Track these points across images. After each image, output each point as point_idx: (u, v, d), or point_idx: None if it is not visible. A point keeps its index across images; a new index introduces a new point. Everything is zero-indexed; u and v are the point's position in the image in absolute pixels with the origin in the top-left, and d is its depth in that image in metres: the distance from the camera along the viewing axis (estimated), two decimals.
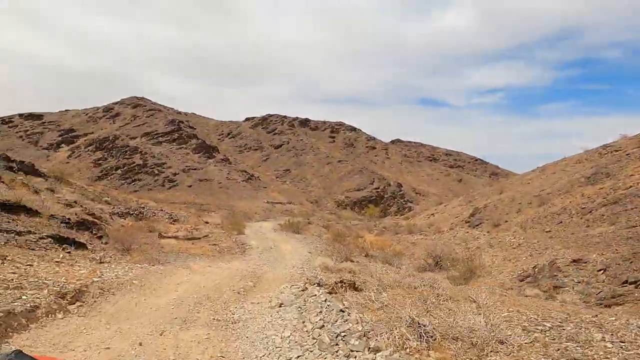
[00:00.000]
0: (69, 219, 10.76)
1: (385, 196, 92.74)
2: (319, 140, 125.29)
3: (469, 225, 30.87)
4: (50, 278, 6.84)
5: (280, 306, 6.55)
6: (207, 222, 25.34)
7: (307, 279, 8.16)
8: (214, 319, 6.45)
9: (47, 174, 21.71)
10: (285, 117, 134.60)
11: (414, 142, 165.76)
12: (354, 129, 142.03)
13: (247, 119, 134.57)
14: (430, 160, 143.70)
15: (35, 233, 8.46)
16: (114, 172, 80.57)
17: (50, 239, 8.55)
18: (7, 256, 6.98)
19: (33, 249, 7.71)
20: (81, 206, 14.32)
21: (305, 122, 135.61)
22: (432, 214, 41.47)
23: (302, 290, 6.91)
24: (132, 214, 20.55)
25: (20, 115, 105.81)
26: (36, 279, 6.62)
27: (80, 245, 9.23)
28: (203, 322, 6.29)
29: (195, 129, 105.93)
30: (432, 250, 20.32)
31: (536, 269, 16.19)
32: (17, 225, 8.46)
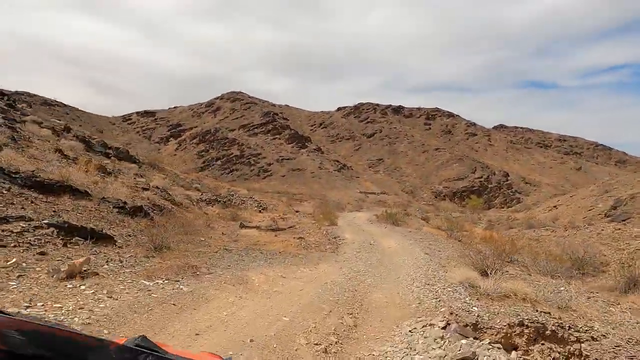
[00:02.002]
0: (125, 202, 9.04)
1: (490, 186, 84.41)
2: (414, 127, 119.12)
3: (610, 220, 25.09)
4: None
5: None
6: (297, 211, 23.63)
7: (452, 313, 4.66)
8: None
9: (141, 160, 21.69)
10: (377, 105, 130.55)
11: (520, 128, 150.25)
12: (451, 115, 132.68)
13: (339, 109, 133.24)
14: (541, 147, 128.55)
15: (33, 220, 6.22)
16: (214, 162, 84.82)
17: (53, 229, 6.21)
18: None
19: (3, 246, 5.44)
20: (162, 191, 13.20)
21: (398, 110, 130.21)
22: (555, 206, 35.27)
23: (466, 358, 3.67)
24: (219, 201, 19.48)
25: (138, 113, 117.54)
26: None
27: (104, 239, 6.86)
28: None
29: (288, 120, 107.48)
30: (572, 250, 16.03)
31: None
32: (16, 209, 6.30)
